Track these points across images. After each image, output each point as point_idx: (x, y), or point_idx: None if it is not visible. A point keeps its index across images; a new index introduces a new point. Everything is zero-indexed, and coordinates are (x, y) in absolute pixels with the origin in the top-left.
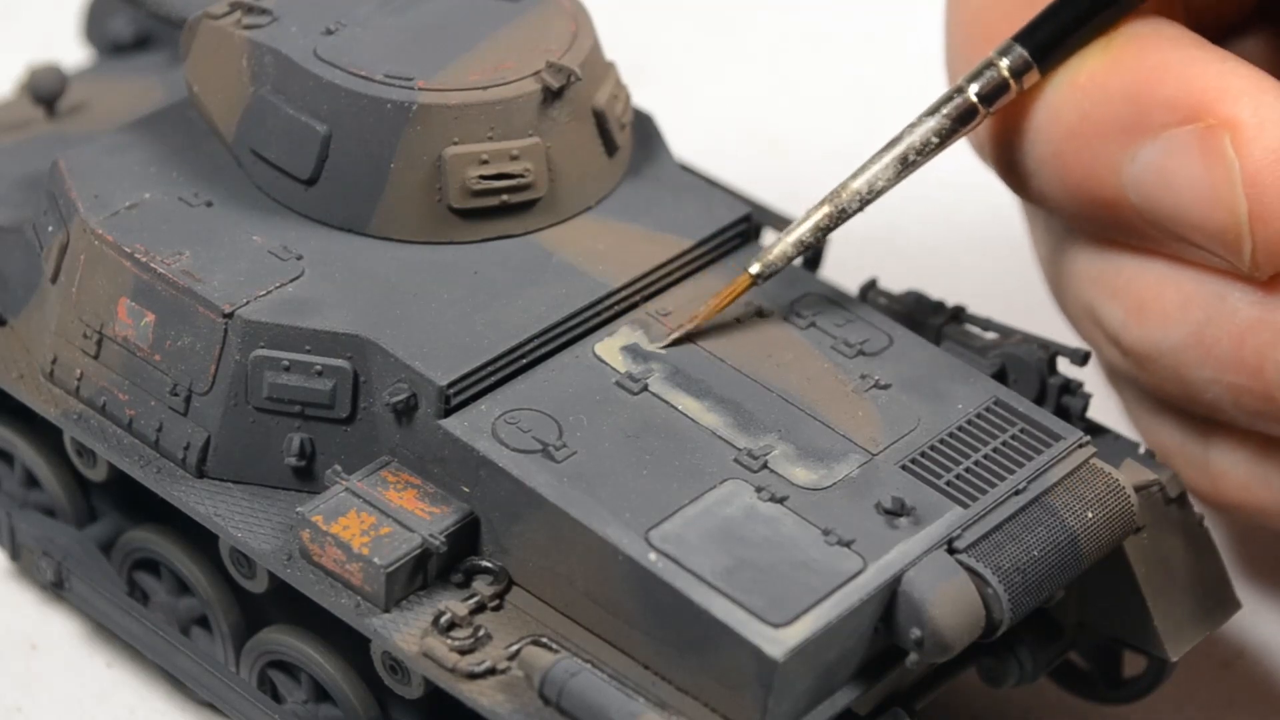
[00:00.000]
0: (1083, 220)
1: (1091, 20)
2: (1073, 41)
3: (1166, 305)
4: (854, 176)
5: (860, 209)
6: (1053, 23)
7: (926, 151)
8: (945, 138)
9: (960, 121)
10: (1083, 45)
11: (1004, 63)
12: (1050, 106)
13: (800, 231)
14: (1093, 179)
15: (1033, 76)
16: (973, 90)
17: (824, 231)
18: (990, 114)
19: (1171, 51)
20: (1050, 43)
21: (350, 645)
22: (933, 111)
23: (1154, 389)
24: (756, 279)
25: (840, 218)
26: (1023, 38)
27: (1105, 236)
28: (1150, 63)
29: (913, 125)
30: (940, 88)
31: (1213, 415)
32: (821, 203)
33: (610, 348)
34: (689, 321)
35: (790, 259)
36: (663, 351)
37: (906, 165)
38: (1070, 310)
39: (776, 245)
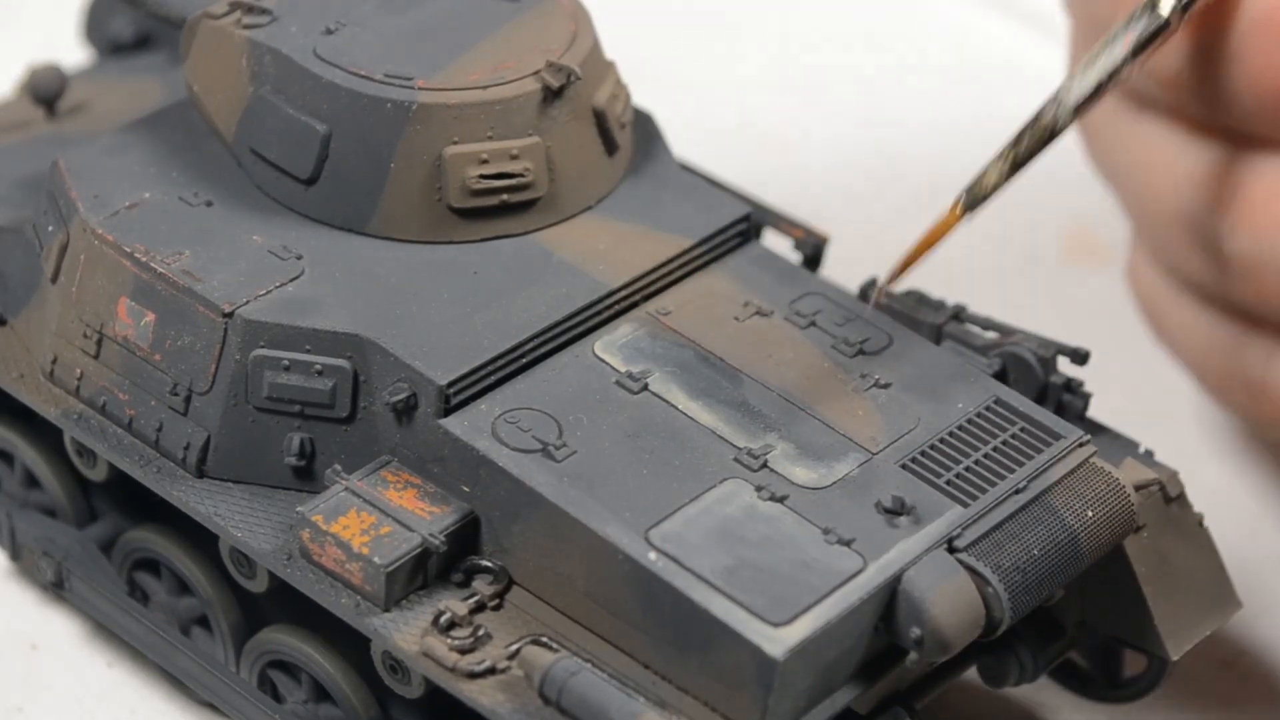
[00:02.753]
0: (1265, 123)
1: None
2: None
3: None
4: (1065, 90)
5: (1071, 121)
6: None
7: (1123, 65)
8: (1140, 50)
9: (1155, 33)
10: None
11: None
12: (1237, 10)
13: (1008, 155)
14: (1277, 77)
15: None
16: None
17: (1033, 153)
18: (1185, 22)
19: None
20: None
21: (350, 645)
22: (1127, 24)
23: (1254, 299)
24: (968, 209)
25: (1050, 134)
26: None
27: (1274, 138)
28: None
29: (1109, 39)
30: (942, 89)
31: None
32: (1026, 125)
33: (610, 347)
34: (897, 267)
35: (1002, 184)
36: (662, 354)
37: (1108, 81)
38: (1158, 218)
39: (987, 172)
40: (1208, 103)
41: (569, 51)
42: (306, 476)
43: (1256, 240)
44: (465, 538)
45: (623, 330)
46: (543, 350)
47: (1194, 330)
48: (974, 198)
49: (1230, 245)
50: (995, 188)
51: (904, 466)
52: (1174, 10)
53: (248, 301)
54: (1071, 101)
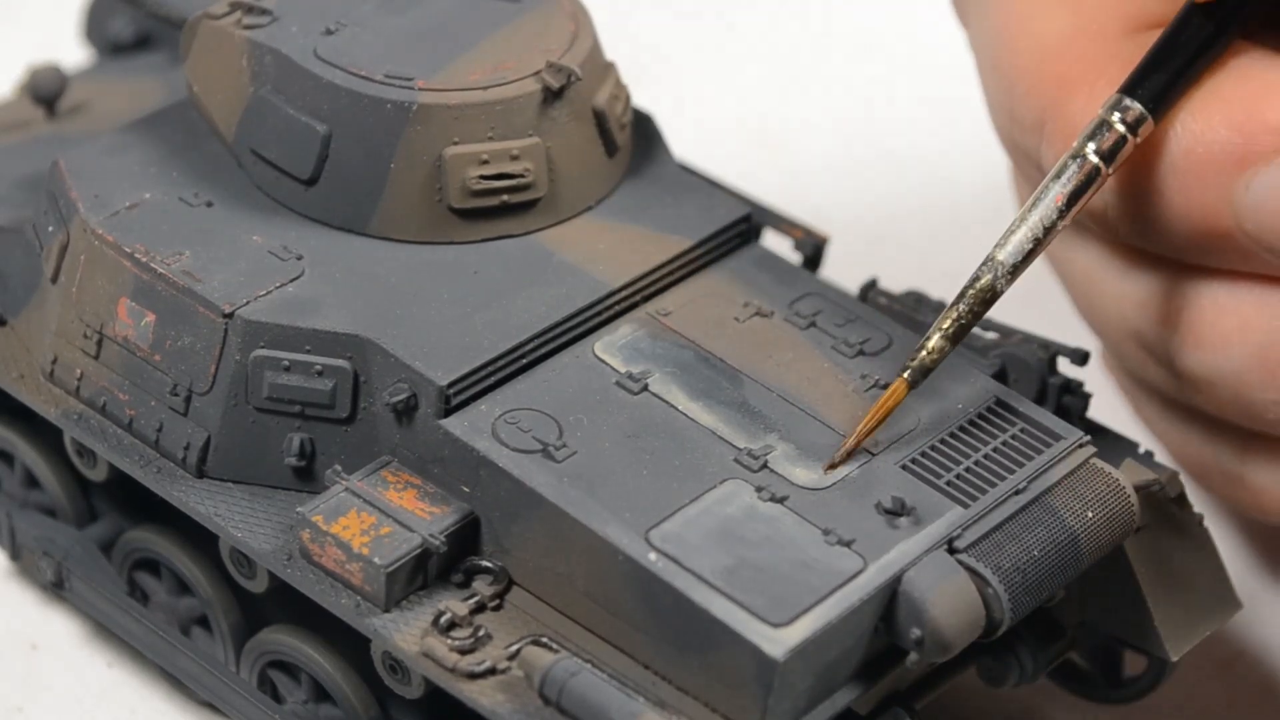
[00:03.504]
0: (1192, 252)
1: (1199, 59)
2: (1183, 85)
3: (1225, 329)
4: (998, 248)
5: (1007, 285)
6: (1160, 70)
7: (1058, 219)
8: (1072, 201)
9: (1085, 184)
10: (1193, 87)
11: (1116, 117)
12: (1160, 150)
13: (949, 321)
14: (1203, 212)
15: (1148, 128)
16: (1090, 151)
17: (975, 315)
18: (1112, 173)
19: (1271, 74)
20: (1161, 90)
21: (350, 645)
22: (1056, 177)
23: (1212, 411)
24: (913, 384)
25: (989, 296)
26: (1131, 89)
27: (1200, 265)
28: (1251, 88)
29: (1038, 195)
30: (941, 89)
31: (1271, 433)
32: (966, 286)
33: (610, 347)
34: (852, 440)
35: (946, 353)
36: (662, 354)
37: (1044, 235)
38: (1110, 334)
39: (929, 340)
40: (1141, 235)
41: (569, 52)
42: (306, 477)
43: (1206, 359)
44: (465, 538)
45: (623, 331)
46: (543, 351)
47: (1168, 426)
48: (918, 371)
49: (1182, 363)
50: (939, 356)
51: (904, 467)
52: (1100, 159)
53: (248, 302)
54: (1009, 262)
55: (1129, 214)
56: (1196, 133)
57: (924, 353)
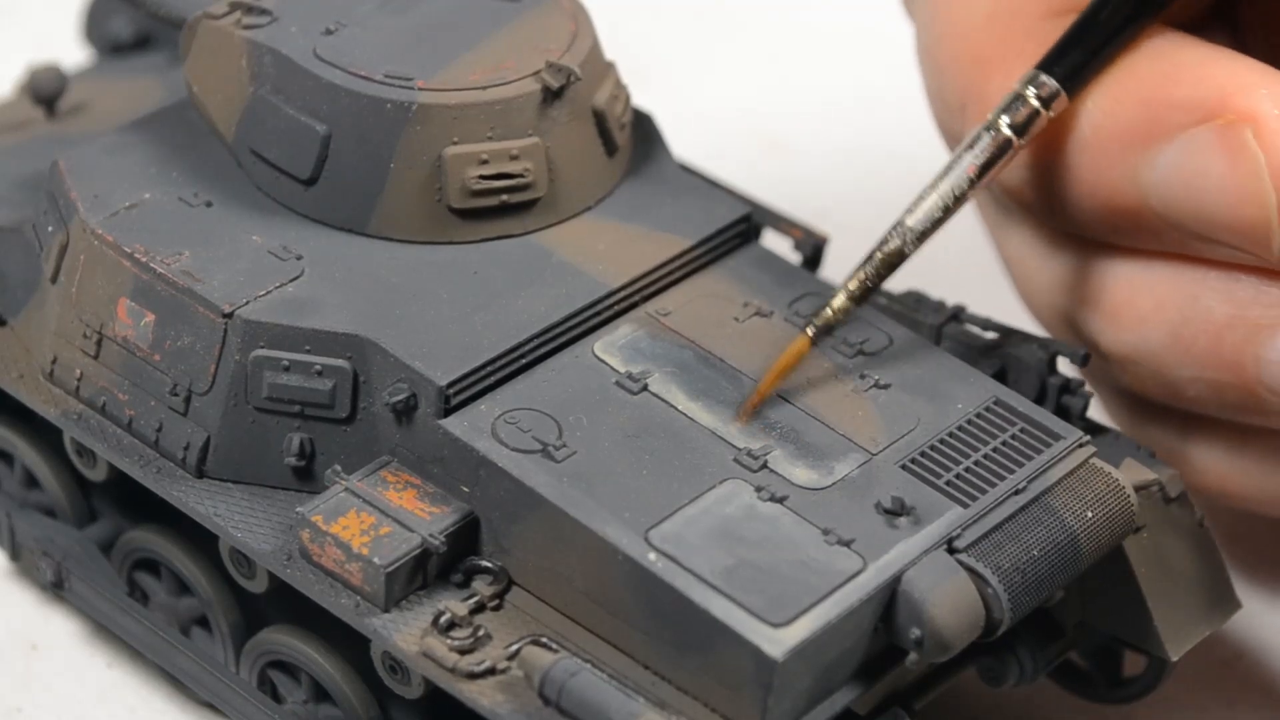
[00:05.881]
0: (1102, 229)
1: (1115, 40)
2: (1097, 63)
3: (1141, 308)
4: (908, 213)
5: (915, 250)
6: (1076, 48)
7: (969, 189)
8: (983, 171)
9: (997, 155)
10: (1107, 66)
11: (1031, 92)
12: (1072, 127)
13: (855, 282)
14: (1112, 188)
15: (1062, 103)
16: (1004, 124)
17: (880, 278)
18: (1024, 145)
19: (1181, 53)
20: (1076, 68)
21: (350, 645)
22: (969, 147)
23: (1137, 389)
24: (814, 341)
25: (897, 260)
26: (1047, 65)
27: (1113, 244)
28: (1161, 66)
29: (951, 164)
30: None
31: (1195, 411)
32: (874, 249)
33: (610, 347)
34: (755, 397)
35: (850, 312)
36: (662, 354)
37: (954, 203)
38: (1044, 316)
39: (834, 300)
40: (1054, 213)
41: (569, 52)
42: (306, 477)
43: (1126, 338)
44: (465, 538)
45: (622, 331)
46: (543, 351)
47: (1117, 409)
48: (821, 328)
49: (1104, 342)
50: (843, 316)
51: (904, 467)
52: (1013, 131)
53: (248, 302)
54: (918, 228)
55: (1043, 191)
56: (1107, 110)
57: (828, 311)
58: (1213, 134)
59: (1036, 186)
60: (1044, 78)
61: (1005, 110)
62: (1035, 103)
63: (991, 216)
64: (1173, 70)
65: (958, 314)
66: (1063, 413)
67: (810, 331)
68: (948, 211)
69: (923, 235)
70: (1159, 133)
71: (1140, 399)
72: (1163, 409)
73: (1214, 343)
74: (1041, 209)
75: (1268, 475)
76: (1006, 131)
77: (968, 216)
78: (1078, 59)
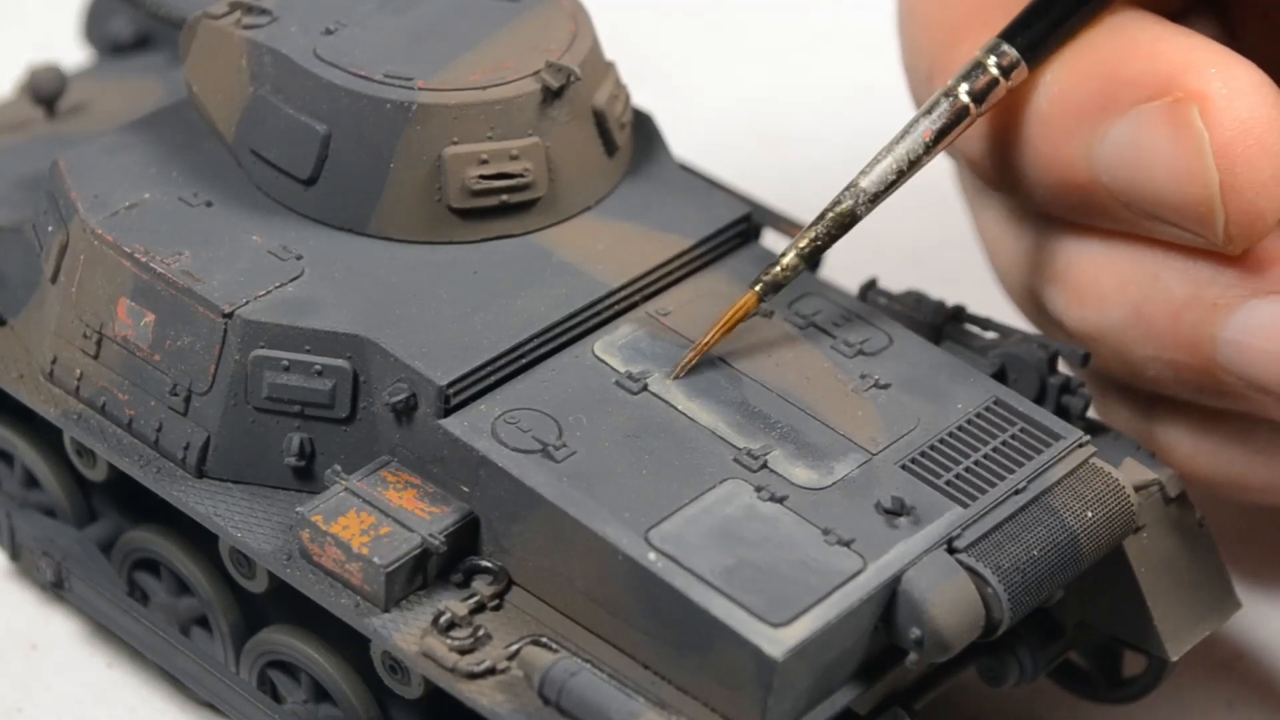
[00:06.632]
0: (1056, 205)
1: (1078, 14)
2: (1059, 35)
3: (1103, 287)
4: (862, 175)
5: (867, 212)
6: (1040, 19)
7: (924, 154)
8: (940, 137)
9: (954, 122)
10: (1068, 39)
11: (991, 61)
12: (1030, 99)
13: (806, 240)
14: (1065, 162)
15: (1021, 73)
16: (963, 91)
17: (832, 238)
18: (981, 113)
19: (1138, 31)
20: (1038, 39)
21: (350, 645)
22: (927, 113)
23: (1100, 368)
24: (762, 296)
25: (848, 221)
26: (1010, 35)
27: (1071, 221)
28: (1118, 43)
29: (908, 128)
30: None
31: (1156, 390)
32: (826, 209)
33: (610, 347)
34: (695, 350)
35: (799, 270)
36: (662, 354)
37: (908, 168)
38: (1014, 293)
39: (784, 257)
40: (1011, 187)
41: (569, 52)
42: (306, 477)
43: (1089, 316)
44: (465, 538)
45: (622, 331)
46: (542, 350)
47: (1091, 389)
48: (769, 286)
49: (1068, 320)
50: (792, 274)
51: (904, 467)
52: (971, 99)
53: (247, 302)
54: (871, 190)
55: (1000, 164)
56: (1065, 83)
57: (777, 269)
58: (1160, 111)
59: (995, 159)
60: (1005, 47)
61: (964, 78)
62: (995, 71)
63: (969, 193)
64: (1129, 46)
65: (958, 314)
66: (1063, 413)
67: (758, 288)
68: (901, 175)
69: (875, 197)
70: (1111, 108)
71: (1106, 379)
72: (1127, 390)
73: (1173, 322)
74: (1001, 184)
75: (1231, 457)
76: (964, 99)
77: (970, 218)
78: (1040, 30)
